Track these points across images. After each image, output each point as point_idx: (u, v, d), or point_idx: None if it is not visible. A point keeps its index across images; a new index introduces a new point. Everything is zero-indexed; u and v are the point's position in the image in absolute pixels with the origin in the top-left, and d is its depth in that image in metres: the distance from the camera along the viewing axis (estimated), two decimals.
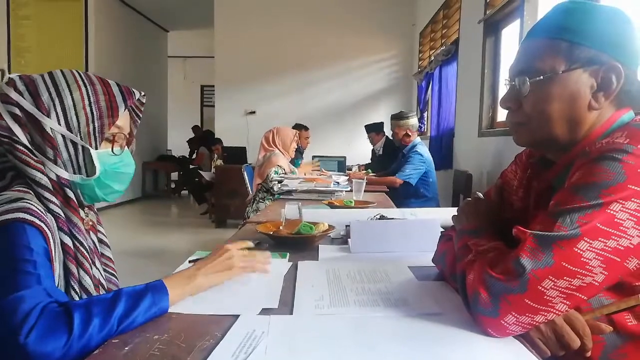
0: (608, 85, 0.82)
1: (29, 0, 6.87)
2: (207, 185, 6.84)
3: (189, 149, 9.78)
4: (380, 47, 6.79)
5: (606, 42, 0.81)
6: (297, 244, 1.38)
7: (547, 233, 0.72)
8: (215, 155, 7.08)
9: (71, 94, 0.92)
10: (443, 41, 5.07)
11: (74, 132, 0.92)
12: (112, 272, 1.08)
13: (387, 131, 4.61)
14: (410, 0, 6.69)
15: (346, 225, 1.48)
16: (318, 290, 0.97)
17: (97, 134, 0.94)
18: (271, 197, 3.16)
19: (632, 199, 0.70)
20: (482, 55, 3.67)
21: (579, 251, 0.70)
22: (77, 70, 0.97)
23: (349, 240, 1.38)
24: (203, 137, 8.96)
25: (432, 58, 5.19)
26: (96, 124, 0.93)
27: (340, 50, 6.75)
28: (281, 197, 2.69)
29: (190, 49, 10.83)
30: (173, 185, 9.69)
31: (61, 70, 0.95)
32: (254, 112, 6.87)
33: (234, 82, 6.84)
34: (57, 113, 0.90)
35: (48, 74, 0.94)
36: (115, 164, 0.98)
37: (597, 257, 0.69)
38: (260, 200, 3.31)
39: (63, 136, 0.91)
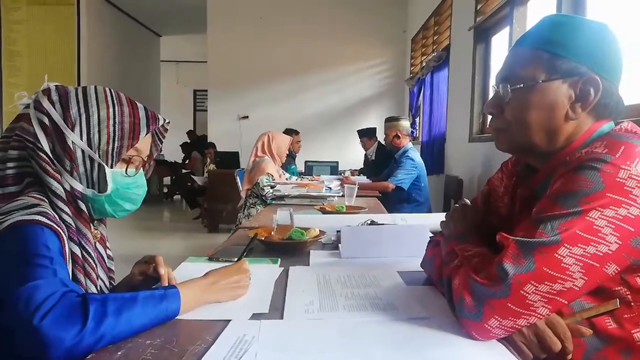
0: (586, 97, 0.84)
1: (21, 4, 6.85)
2: (199, 190, 6.83)
3: (183, 154, 9.76)
4: (372, 53, 6.83)
5: (586, 55, 0.84)
6: (288, 249, 1.40)
7: (529, 239, 0.75)
8: (208, 160, 7.08)
9: (98, 111, 0.95)
10: (434, 47, 5.12)
11: (94, 149, 0.94)
12: (112, 282, 1.10)
13: (380, 136, 4.64)
14: (401, 7, 6.74)
15: (337, 231, 1.50)
16: (308, 295, 0.99)
17: (114, 154, 0.96)
18: (262, 202, 3.17)
19: (610, 207, 0.72)
20: (473, 61, 3.72)
21: (559, 257, 0.72)
22: (110, 89, 1.00)
23: (339, 245, 1.40)
24: (196, 142, 8.95)
25: (424, 64, 5.24)
26: (116, 144, 0.96)
27: (332, 55, 6.79)
28: (273, 202, 2.70)
29: (183, 54, 10.83)
30: (165, 190, 9.66)
31: (95, 87, 0.98)
32: (247, 117, 6.89)
33: (227, 87, 6.86)
34: (81, 128, 0.93)
35: (82, 88, 0.97)
36: (128, 184, 1.00)
37: (576, 262, 0.72)
38: (252, 206, 3.31)
39: (82, 151, 0.93)
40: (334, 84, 6.84)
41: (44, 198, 0.88)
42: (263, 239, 1.45)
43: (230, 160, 6.20)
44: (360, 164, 5.68)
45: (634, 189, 0.72)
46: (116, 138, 0.96)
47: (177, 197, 9.89)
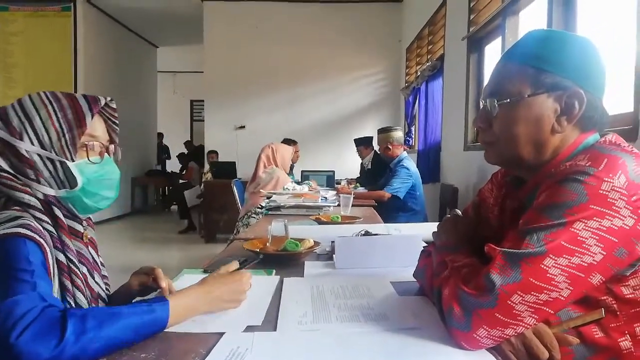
0: (571, 110, 0.86)
1: (18, 16, 6.89)
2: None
3: (180, 164, 9.78)
4: (367, 63, 6.88)
5: (571, 69, 0.86)
6: (283, 260, 1.41)
7: (515, 250, 0.76)
8: (207, 166, 7.05)
9: (39, 114, 0.95)
10: (429, 57, 5.17)
11: (48, 149, 0.94)
12: (108, 289, 1.11)
13: (376, 146, 4.66)
14: (396, 17, 6.81)
15: (332, 242, 1.51)
16: (302, 306, 1.00)
17: (69, 146, 0.96)
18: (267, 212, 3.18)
19: (594, 218, 0.74)
20: (467, 70, 3.76)
21: (545, 267, 0.74)
22: (43, 92, 0.99)
23: (334, 256, 1.41)
24: (193, 152, 8.97)
25: (419, 73, 5.28)
26: (67, 137, 0.96)
27: (328, 65, 6.83)
28: (269, 212, 2.72)
29: (179, 64, 10.89)
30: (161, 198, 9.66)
31: (29, 95, 0.99)
32: (243, 127, 6.91)
33: (224, 97, 6.88)
34: (28, 134, 0.93)
35: (17, 101, 0.98)
36: (97, 172, 1.00)
37: (562, 273, 0.74)
38: (253, 215, 3.31)
39: (39, 155, 0.94)
40: (330, 93, 6.88)
41: (24, 211, 0.89)
42: (258, 250, 1.46)
43: (227, 170, 6.22)
44: (356, 173, 5.70)
45: (616, 200, 0.74)
46: (65, 130, 0.96)
47: (174, 207, 9.90)
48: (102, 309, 0.78)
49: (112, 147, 1.07)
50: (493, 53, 3.53)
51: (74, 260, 0.93)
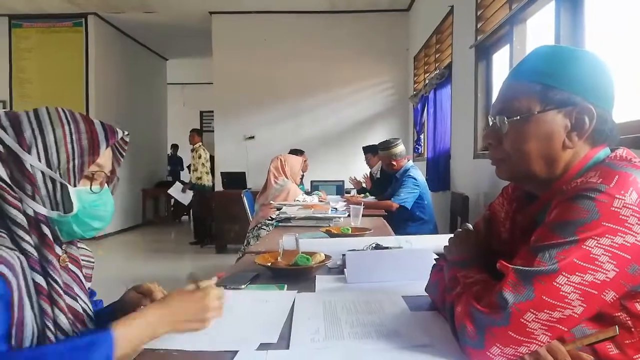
0: (581, 126, 0.86)
1: (30, 33, 7.02)
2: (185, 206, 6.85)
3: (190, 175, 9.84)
4: (375, 72, 6.90)
5: (579, 85, 0.86)
6: (294, 275, 1.41)
7: (527, 268, 0.76)
8: (197, 154, 6.94)
9: (54, 131, 0.92)
10: (437, 65, 5.17)
11: (54, 169, 0.91)
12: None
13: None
14: (403, 26, 6.83)
15: (343, 255, 1.51)
16: (314, 323, 1.01)
17: (76, 172, 0.93)
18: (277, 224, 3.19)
19: (606, 235, 0.74)
20: (475, 79, 3.75)
21: (557, 285, 0.74)
22: (62, 108, 0.97)
23: (345, 270, 1.41)
24: None
25: (427, 81, 5.29)
26: (76, 162, 0.93)
27: (337, 75, 6.86)
28: (280, 224, 2.72)
29: (189, 76, 11.00)
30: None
31: (46, 107, 0.95)
32: (252, 137, 6.95)
33: (233, 108, 6.93)
34: (38, 150, 0.90)
35: (33, 111, 0.94)
36: (94, 201, 0.97)
37: (575, 290, 0.73)
38: (263, 227, 3.32)
39: (42, 173, 0.90)
40: (338, 103, 6.90)
41: (7, 226, 0.85)
42: (269, 264, 1.47)
43: (237, 180, 6.26)
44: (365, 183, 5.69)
45: (629, 217, 0.74)
46: (76, 155, 0.92)
47: (184, 217, 9.96)
48: (26, 353, 0.74)
49: (113, 179, 1.06)
50: (501, 61, 3.53)
51: (57, 279, 0.88)
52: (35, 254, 0.86)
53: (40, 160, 0.90)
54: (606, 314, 0.79)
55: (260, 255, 1.56)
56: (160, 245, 7.17)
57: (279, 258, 1.52)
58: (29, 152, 0.89)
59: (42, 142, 0.90)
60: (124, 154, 1.08)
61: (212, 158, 7.35)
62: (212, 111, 7.28)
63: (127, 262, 5.53)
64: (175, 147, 10.52)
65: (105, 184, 1.02)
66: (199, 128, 6.03)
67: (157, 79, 9.55)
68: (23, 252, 0.84)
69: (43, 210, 0.90)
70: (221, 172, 6.66)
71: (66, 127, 0.93)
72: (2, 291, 0.77)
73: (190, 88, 11.67)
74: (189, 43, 8.42)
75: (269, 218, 3.24)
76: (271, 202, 3.38)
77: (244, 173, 6.41)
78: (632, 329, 0.80)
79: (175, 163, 10.51)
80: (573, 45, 2.35)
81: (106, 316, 1.04)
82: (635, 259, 0.74)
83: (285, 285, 1.32)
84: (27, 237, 0.85)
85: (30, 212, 0.88)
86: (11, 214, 0.85)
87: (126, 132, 1.04)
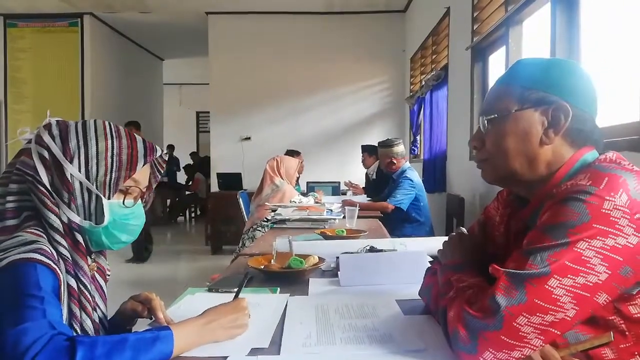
0: (557, 123, 0.89)
1: (25, 32, 6.98)
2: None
3: (186, 176, 9.84)
4: (372, 73, 6.89)
5: (556, 85, 0.90)
6: (287, 278, 1.40)
7: (519, 271, 0.76)
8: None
9: (97, 144, 0.96)
10: (433, 66, 5.17)
11: (91, 181, 0.95)
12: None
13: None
14: (400, 27, 6.83)
15: (336, 257, 1.50)
16: (306, 327, 0.99)
17: (112, 185, 0.97)
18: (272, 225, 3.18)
19: (597, 237, 0.74)
20: (471, 80, 3.75)
21: (549, 288, 0.73)
22: (110, 122, 1.01)
23: (339, 273, 1.40)
24: (199, 164, 9.02)
25: (423, 83, 5.29)
26: (113, 175, 0.97)
27: (333, 76, 6.85)
28: (275, 226, 2.71)
29: (185, 77, 10.97)
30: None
31: (95, 120, 1.00)
32: (249, 138, 6.93)
33: (229, 109, 6.91)
34: (79, 160, 0.94)
35: (82, 122, 0.99)
36: (126, 215, 1.00)
37: (567, 293, 0.73)
38: (259, 228, 3.31)
39: (80, 183, 0.94)
40: (334, 104, 6.89)
41: (41, 233, 0.89)
42: (262, 267, 1.46)
43: (233, 181, 6.24)
44: (361, 184, 5.68)
45: (619, 219, 0.74)
46: (114, 169, 0.97)
47: (180, 218, 9.93)
48: (110, 338, 0.77)
49: (148, 194, 1.09)
50: (497, 63, 3.53)
51: (87, 285, 0.94)
52: (70, 258, 0.91)
53: (80, 171, 0.94)
54: (600, 317, 0.78)
55: (254, 258, 1.55)
56: (156, 246, 7.13)
57: (272, 261, 1.51)
58: (71, 162, 0.94)
59: (85, 153, 0.95)
60: (162, 171, 1.12)
61: (207, 159, 7.34)
62: (208, 112, 7.26)
63: (123, 264, 5.50)
64: (171, 147, 10.50)
65: (139, 199, 1.05)
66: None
67: (153, 79, 9.52)
68: (60, 255, 0.89)
69: (77, 219, 0.94)
70: (217, 173, 6.64)
71: (109, 141, 0.98)
72: (55, 283, 0.83)
73: (186, 88, 11.64)
74: (185, 43, 8.39)
75: (265, 219, 3.23)
76: (266, 203, 3.37)
77: (240, 174, 6.39)
78: (626, 333, 0.79)
79: (171, 163, 10.50)
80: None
81: (112, 323, 1.07)
82: (627, 260, 0.74)
83: (278, 289, 1.31)
84: (63, 242, 0.91)
85: (65, 220, 0.93)
86: (50, 218, 0.90)
87: (165, 151, 1.08)
